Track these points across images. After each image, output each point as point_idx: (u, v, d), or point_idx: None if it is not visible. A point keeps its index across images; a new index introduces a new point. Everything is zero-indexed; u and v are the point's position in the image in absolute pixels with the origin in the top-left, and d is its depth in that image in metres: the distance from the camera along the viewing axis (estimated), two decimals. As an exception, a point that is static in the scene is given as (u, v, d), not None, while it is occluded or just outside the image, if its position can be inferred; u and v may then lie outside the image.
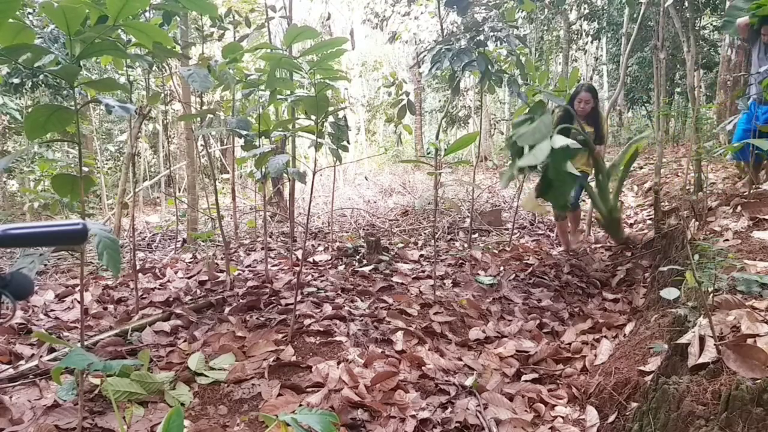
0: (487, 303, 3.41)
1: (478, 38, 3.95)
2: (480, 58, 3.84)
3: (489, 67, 3.91)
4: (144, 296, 3.20)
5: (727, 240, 2.95)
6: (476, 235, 5.57)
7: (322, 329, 2.65)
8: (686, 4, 8.06)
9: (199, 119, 4.58)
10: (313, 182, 3.00)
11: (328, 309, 2.95)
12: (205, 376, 2.20)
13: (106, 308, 3.09)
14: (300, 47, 2.44)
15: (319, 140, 2.81)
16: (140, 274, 3.67)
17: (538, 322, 3.16)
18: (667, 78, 8.92)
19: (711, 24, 11.41)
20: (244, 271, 3.91)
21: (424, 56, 4.44)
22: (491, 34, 4.01)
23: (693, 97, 6.33)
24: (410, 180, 10.77)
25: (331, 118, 3.52)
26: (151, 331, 2.66)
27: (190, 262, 4.30)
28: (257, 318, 2.84)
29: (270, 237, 5.68)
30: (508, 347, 2.76)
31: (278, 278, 3.54)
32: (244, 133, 3.06)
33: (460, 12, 4.23)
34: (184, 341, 2.59)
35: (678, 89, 12.00)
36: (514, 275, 3.89)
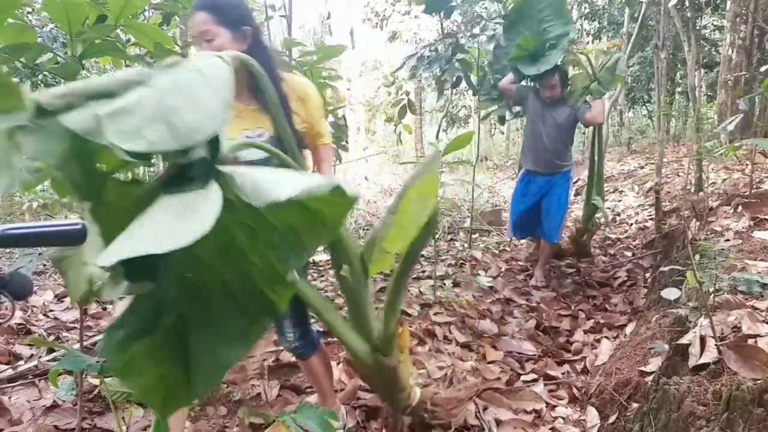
0: (487, 303, 3.40)
1: (454, 45, 3.98)
2: (452, 66, 3.87)
3: (467, 72, 3.96)
4: (144, 296, 3.19)
5: (728, 240, 2.94)
6: (476, 235, 5.56)
7: (322, 329, 2.65)
8: (687, 3, 8.06)
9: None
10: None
11: (328, 309, 2.94)
12: (205, 376, 2.20)
13: (105, 308, 3.09)
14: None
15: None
16: (140, 274, 3.66)
17: (537, 322, 3.16)
18: (668, 77, 8.91)
19: (712, 24, 11.40)
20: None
21: (405, 62, 4.48)
22: (480, 33, 4.02)
23: (694, 97, 6.32)
24: (410, 180, 10.73)
25: (331, 118, 3.52)
26: (150, 331, 2.65)
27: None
28: (257, 318, 2.84)
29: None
30: (507, 347, 2.76)
31: (278, 278, 3.53)
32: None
33: (446, 15, 4.23)
34: (184, 341, 2.58)
35: (679, 89, 12.00)
36: (520, 275, 3.88)
